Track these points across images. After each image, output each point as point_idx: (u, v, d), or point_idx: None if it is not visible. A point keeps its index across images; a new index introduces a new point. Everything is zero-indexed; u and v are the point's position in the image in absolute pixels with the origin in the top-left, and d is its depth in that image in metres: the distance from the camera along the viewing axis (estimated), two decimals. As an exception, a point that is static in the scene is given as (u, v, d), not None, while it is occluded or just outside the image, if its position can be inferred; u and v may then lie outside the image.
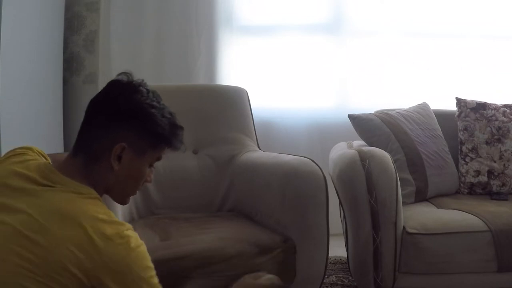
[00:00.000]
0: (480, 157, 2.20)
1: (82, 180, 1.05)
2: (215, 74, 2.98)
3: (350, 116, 2.16)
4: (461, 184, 2.20)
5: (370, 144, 2.08)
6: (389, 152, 1.88)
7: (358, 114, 2.16)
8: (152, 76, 2.89)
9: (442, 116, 2.35)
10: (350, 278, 2.15)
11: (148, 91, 1.11)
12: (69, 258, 0.91)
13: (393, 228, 1.70)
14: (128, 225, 1.02)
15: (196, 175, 2.02)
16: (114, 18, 2.96)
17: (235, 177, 2.00)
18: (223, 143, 2.08)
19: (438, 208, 1.97)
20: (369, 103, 2.73)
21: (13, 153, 1.13)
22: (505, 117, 2.24)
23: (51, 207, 0.97)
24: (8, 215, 0.95)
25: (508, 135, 2.20)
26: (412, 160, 2.05)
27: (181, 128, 1.15)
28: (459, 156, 2.24)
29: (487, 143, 2.21)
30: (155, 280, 1.02)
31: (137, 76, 1.15)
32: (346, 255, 1.99)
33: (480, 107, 2.26)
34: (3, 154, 1.18)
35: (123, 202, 1.18)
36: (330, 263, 2.33)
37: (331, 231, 1.65)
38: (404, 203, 1.82)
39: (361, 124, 2.14)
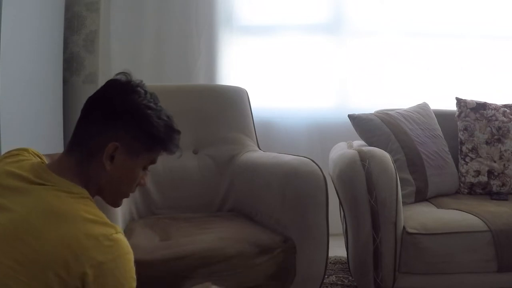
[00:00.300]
0: (480, 157, 2.20)
1: (75, 178, 1.04)
2: (215, 74, 2.99)
3: (350, 116, 2.16)
4: (461, 184, 2.20)
5: (370, 144, 2.08)
6: (389, 152, 1.88)
7: (358, 114, 2.16)
8: (152, 76, 2.89)
9: (442, 116, 2.35)
10: (350, 278, 2.15)
11: (146, 92, 1.10)
12: (57, 260, 0.90)
13: (393, 228, 1.70)
14: (119, 229, 1.00)
15: (196, 175, 2.02)
16: (114, 18, 2.96)
17: (235, 177, 2.00)
18: (223, 143, 2.08)
19: (438, 208, 1.97)
20: (369, 103, 2.73)
21: (8, 155, 1.13)
22: (505, 117, 2.24)
23: (42, 207, 0.96)
24: (0, 215, 0.95)
25: (508, 135, 2.20)
26: (412, 160, 2.05)
27: (178, 132, 1.13)
28: (459, 156, 2.24)
29: (487, 143, 2.21)
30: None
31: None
32: (346, 255, 1.99)
33: (480, 107, 2.26)
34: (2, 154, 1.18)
35: (114, 204, 1.17)
36: (330, 263, 2.33)
37: (331, 231, 1.65)
38: (404, 203, 1.82)
39: (361, 124, 2.14)
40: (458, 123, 2.28)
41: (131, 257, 0.99)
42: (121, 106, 1.07)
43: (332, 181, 1.93)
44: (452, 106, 2.36)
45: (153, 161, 1.14)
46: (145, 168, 1.14)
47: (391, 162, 1.77)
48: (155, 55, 2.95)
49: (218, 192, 2.02)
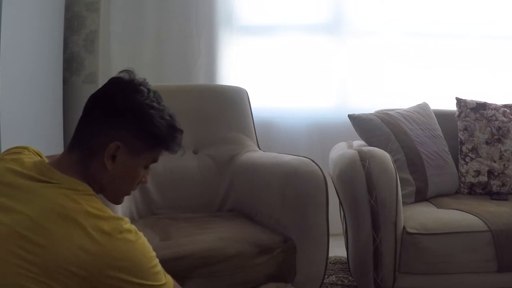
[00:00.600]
0: (480, 157, 2.20)
1: (77, 176, 1.03)
2: (215, 74, 2.98)
3: (350, 116, 2.16)
4: (461, 184, 2.20)
5: (370, 144, 2.08)
6: (389, 152, 1.88)
7: (358, 114, 2.16)
8: (152, 76, 2.88)
9: (442, 116, 2.35)
10: (350, 278, 2.15)
11: (149, 90, 1.09)
12: (69, 258, 0.90)
13: (393, 228, 1.70)
14: (126, 219, 1.01)
15: (196, 175, 2.02)
16: (114, 18, 2.96)
17: (235, 177, 2.00)
18: (223, 143, 2.08)
19: (438, 208, 1.97)
20: (369, 103, 2.73)
21: (8, 153, 1.12)
22: (505, 117, 2.24)
23: (48, 205, 0.96)
24: (4, 215, 0.95)
25: (508, 135, 2.20)
26: (412, 160, 2.05)
27: (181, 131, 1.12)
28: (459, 156, 2.24)
29: (487, 143, 2.21)
30: (159, 267, 1.02)
31: (129, 67, 1.13)
32: (346, 255, 1.99)
33: (480, 107, 2.26)
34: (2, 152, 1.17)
35: (115, 201, 1.17)
36: (330, 263, 2.33)
37: (331, 231, 1.65)
38: (404, 203, 1.82)
39: (361, 124, 2.14)
40: (458, 123, 2.28)
41: (144, 239, 1.02)
42: (123, 105, 1.06)
43: (332, 181, 1.93)
44: (452, 106, 2.36)
45: (154, 160, 1.14)
46: (146, 167, 1.14)
47: (391, 162, 1.77)
48: (155, 55, 2.95)
49: (218, 192, 2.02)
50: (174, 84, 2.53)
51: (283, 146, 2.65)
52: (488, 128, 2.22)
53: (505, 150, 2.19)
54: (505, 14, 2.96)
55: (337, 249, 2.25)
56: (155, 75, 2.90)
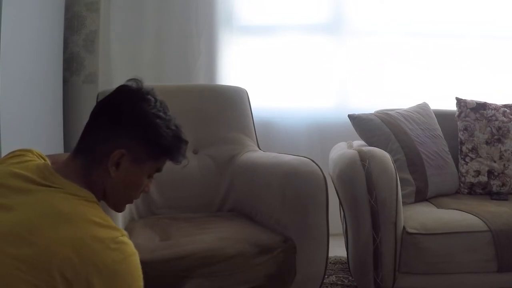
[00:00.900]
0: (480, 157, 2.20)
1: (80, 182, 1.04)
2: (215, 74, 2.98)
3: (350, 116, 2.16)
4: (461, 184, 2.20)
5: (370, 144, 2.08)
6: (389, 152, 1.88)
7: (358, 114, 2.16)
8: (152, 76, 2.89)
9: (442, 116, 2.35)
10: (350, 278, 2.15)
11: (156, 100, 1.10)
12: (62, 261, 0.90)
13: (393, 228, 1.70)
14: (124, 232, 1.01)
15: (196, 175, 2.02)
16: (114, 18, 2.95)
17: (235, 177, 2.00)
18: (223, 143, 2.08)
19: (438, 208, 1.97)
20: (369, 103, 2.73)
21: (12, 155, 1.13)
22: (505, 117, 2.24)
23: (47, 208, 0.96)
24: (4, 216, 0.95)
25: (508, 135, 2.20)
26: (412, 160, 2.05)
27: (186, 142, 1.13)
28: (459, 156, 2.24)
29: (487, 143, 2.21)
30: None
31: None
32: (346, 255, 1.99)
33: (480, 107, 2.26)
34: (3, 154, 1.17)
35: (117, 209, 1.16)
36: (330, 263, 2.33)
37: (331, 231, 1.65)
38: (404, 203, 1.82)
39: (361, 124, 2.14)
40: (458, 123, 2.28)
41: (137, 257, 1.00)
42: (130, 113, 1.07)
43: (332, 181, 1.93)
44: (452, 106, 2.36)
45: (158, 169, 1.14)
46: (150, 176, 1.14)
47: (391, 162, 1.77)
48: (155, 55, 2.95)
49: (218, 192, 2.02)
50: (174, 84, 2.53)
51: (283, 146, 2.66)
52: (488, 128, 2.22)
53: (505, 150, 2.19)
54: (505, 14, 2.96)
55: (337, 249, 2.25)
56: (155, 75, 2.90)
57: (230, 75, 2.97)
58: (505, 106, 2.29)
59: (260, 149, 2.12)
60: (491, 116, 2.24)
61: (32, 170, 1.03)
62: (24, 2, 2.49)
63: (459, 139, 2.26)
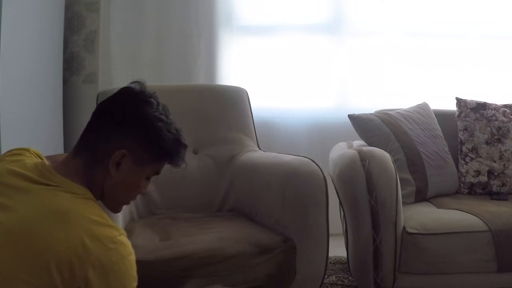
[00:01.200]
0: (480, 157, 2.20)
1: (80, 181, 1.04)
2: (215, 74, 2.98)
3: (350, 116, 2.16)
4: (461, 184, 2.20)
5: (370, 144, 2.08)
6: (389, 152, 1.88)
7: (358, 114, 2.16)
8: (152, 76, 2.89)
9: (442, 116, 2.35)
10: (350, 278, 2.15)
11: (158, 103, 1.11)
12: (61, 260, 0.90)
13: (393, 228, 1.70)
14: (122, 231, 1.01)
15: (196, 175, 2.02)
16: (114, 18, 2.95)
17: (235, 177, 2.00)
18: (223, 143, 2.08)
19: (438, 208, 1.97)
20: (369, 103, 2.73)
21: (9, 153, 1.13)
22: (505, 117, 2.24)
23: (46, 206, 0.97)
24: (2, 214, 0.95)
25: (508, 135, 2.20)
26: (412, 160, 2.05)
27: (185, 146, 1.15)
28: (459, 156, 2.24)
29: (487, 143, 2.21)
30: None
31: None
32: (346, 255, 1.99)
33: (480, 107, 2.26)
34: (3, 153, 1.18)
35: (114, 210, 1.17)
36: (330, 263, 2.33)
37: (331, 231, 1.65)
38: (404, 203, 1.82)
39: (361, 124, 2.14)
40: (458, 123, 2.28)
41: (133, 258, 1.00)
42: (133, 115, 1.08)
43: (332, 181, 1.93)
44: (452, 106, 2.36)
45: (157, 172, 1.16)
46: (148, 178, 1.15)
47: (391, 162, 1.77)
48: (155, 55, 2.95)
49: (218, 192, 2.02)
50: (174, 84, 2.53)
51: (283, 146, 2.65)
52: (488, 128, 2.22)
53: (505, 150, 2.19)
54: (505, 14, 2.96)
55: (337, 249, 2.25)
56: (155, 75, 2.90)
57: (230, 75, 2.97)
58: (505, 106, 2.29)
59: (260, 149, 2.12)
60: (491, 116, 2.24)
61: (30, 169, 1.04)
62: (24, 2, 2.49)
63: (459, 139, 2.26)
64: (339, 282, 2.16)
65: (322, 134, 2.92)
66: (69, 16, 3.00)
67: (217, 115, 2.15)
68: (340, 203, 1.93)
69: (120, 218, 1.59)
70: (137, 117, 1.08)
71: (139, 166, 1.09)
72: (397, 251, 1.72)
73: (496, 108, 2.26)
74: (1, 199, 0.98)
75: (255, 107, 2.28)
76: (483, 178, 2.18)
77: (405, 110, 2.29)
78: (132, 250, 1.00)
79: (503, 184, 2.17)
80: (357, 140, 2.23)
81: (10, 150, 1.15)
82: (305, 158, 1.72)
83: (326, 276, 1.76)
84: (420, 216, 1.83)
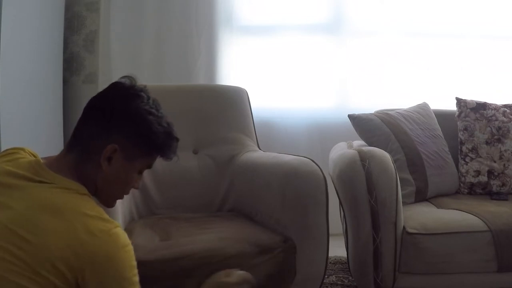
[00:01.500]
0: (480, 157, 2.20)
1: (73, 176, 1.05)
2: (215, 74, 2.99)
3: (350, 116, 2.16)
4: (461, 184, 2.20)
5: (370, 144, 2.08)
6: (389, 152, 1.88)
7: (358, 114, 2.16)
8: (152, 76, 2.89)
9: (442, 116, 2.35)
10: (350, 278, 2.15)
11: (148, 97, 1.12)
12: (57, 255, 0.92)
13: (393, 228, 1.70)
14: (117, 223, 1.02)
15: (196, 175, 2.02)
16: (114, 18, 2.96)
17: (235, 177, 2.00)
18: (223, 143, 2.08)
19: (438, 208, 1.97)
20: (369, 103, 2.73)
21: (4, 153, 1.14)
22: (505, 117, 2.24)
23: (40, 203, 0.98)
24: None
25: (508, 135, 2.20)
26: (412, 160, 2.05)
27: (176, 139, 1.15)
28: (459, 156, 2.24)
29: (487, 143, 2.21)
30: (137, 278, 1.01)
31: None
32: (346, 255, 1.99)
33: (480, 107, 2.26)
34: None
35: (108, 204, 1.17)
36: (330, 263, 2.33)
37: (331, 231, 1.65)
38: (404, 203, 1.82)
39: (361, 124, 2.14)
40: (458, 123, 2.28)
41: (130, 248, 1.01)
42: (123, 109, 1.08)
43: (332, 181, 1.93)
44: (452, 106, 2.36)
45: (149, 166, 1.16)
46: (140, 172, 1.16)
47: (391, 162, 1.77)
48: (155, 55, 2.95)
49: (218, 192, 2.02)
50: (174, 84, 2.53)
51: (283, 146, 2.65)
52: (488, 128, 2.22)
53: (505, 150, 2.19)
54: (505, 14, 2.96)
55: (337, 249, 2.25)
56: (155, 75, 2.90)
57: (230, 75, 2.97)
58: (505, 106, 2.29)
59: (260, 149, 2.12)
60: (491, 116, 2.24)
61: (24, 167, 1.05)
62: (24, 2, 2.49)
63: (459, 139, 2.26)
64: (339, 282, 2.16)
65: (322, 134, 2.92)
66: (69, 16, 3.00)
67: (217, 115, 2.15)
68: (340, 203, 1.93)
69: (120, 218, 1.59)
70: (127, 111, 1.08)
71: (130, 160, 1.10)
72: (397, 251, 1.72)
73: (496, 108, 2.26)
74: None
75: (255, 107, 2.28)
76: (483, 178, 2.18)
77: (405, 110, 2.29)
78: (128, 241, 1.01)
79: (503, 184, 2.17)
80: (357, 140, 2.23)
81: (5, 150, 1.16)
82: (305, 158, 1.72)
83: (326, 276, 1.76)
84: (420, 216, 1.83)
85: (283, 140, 2.93)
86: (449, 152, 2.23)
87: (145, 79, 1.16)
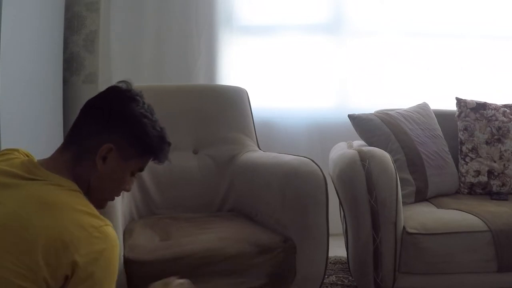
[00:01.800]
0: (480, 157, 2.20)
1: (66, 174, 1.06)
2: (215, 74, 2.99)
3: (350, 116, 2.16)
4: (461, 184, 2.20)
5: (370, 144, 2.08)
6: (389, 152, 1.88)
7: (358, 114, 2.16)
8: (152, 76, 2.89)
9: (442, 116, 2.35)
10: (350, 278, 2.15)
11: (143, 102, 1.15)
12: (46, 249, 0.92)
13: (393, 228, 1.70)
14: (108, 221, 1.03)
15: (196, 175, 2.02)
16: (114, 18, 2.95)
17: (235, 177, 2.00)
18: (223, 143, 2.08)
19: (438, 208, 1.97)
20: (369, 103, 2.73)
21: None
22: (505, 117, 2.24)
23: (31, 198, 0.99)
24: None
25: (508, 135, 2.20)
26: (412, 160, 2.05)
27: (169, 144, 1.19)
28: (459, 156, 2.24)
29: (487, 143, 2.21)
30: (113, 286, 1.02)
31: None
32: (346, 255, 1.99)
33: (480, 107, 2.26)
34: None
35: (99, 205, 1.17)
36: (330, 263, 2.33)
37: (331, 231, 1.65)
38: (404, 203, 1.82)
39: (361, 124, 2.14)
40: (458, 123, 2.28)
41: (117, 250, 1.02)
42: (120, 111, 1.12)
43: (332, 181, 1.93)
44: (452, 106, 2.36)
45: (141, 169, 1.19)
46: (132, 174, 1.18)
47: (391, 162, 1.77)
48: (155, 55, 2.95)
49: (218, 192, 2.02)
50: (174, 84, 2.53)
51: (283, 146, 2.65)
52: (488, 128, 2.22)
53: (505, 150, 2.19)
54: (505, 14, 2.96)
55: (337, 249, 2.25)
56: (155, 75, 2.90)
57: (230, 75, 2.97)
58: (505, 106, 2.29)
59: (260, 149, 2.12)
60: (491, 116, 2.24)
61: (17, 166, 1.06)
62: (24, 2, 2.49)
63: (459, 139, 2.26)
64: (339, 282, 2.16)
65: (322, 134, 2.92)
66: (69, 16, 3.00)
67: (217, 115, 2.15)
68: (340, 203, 1.93)
69: (120, 218, 1.59)
70: (123, 113, 1.12)
71: (124, 160, 1.12)
72: (397, 251, 1.72)
73: (496, 108, 2.27)
74: None
75: (255, 107, 2.28)
76: (483, 178, 2.18)
77: (405, 110, 2.29)
78: (117, 242, 1.02)
79: (503, 184, 2.17)
80: (357, 140, 2.23)
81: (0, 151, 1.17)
82: (305, 158, 1.72)
83: (326, 276, 1.76)
84: (420, 216, 1.83)
85: (283, 140, 2.93)
86: (449, 152, 2.23)
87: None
